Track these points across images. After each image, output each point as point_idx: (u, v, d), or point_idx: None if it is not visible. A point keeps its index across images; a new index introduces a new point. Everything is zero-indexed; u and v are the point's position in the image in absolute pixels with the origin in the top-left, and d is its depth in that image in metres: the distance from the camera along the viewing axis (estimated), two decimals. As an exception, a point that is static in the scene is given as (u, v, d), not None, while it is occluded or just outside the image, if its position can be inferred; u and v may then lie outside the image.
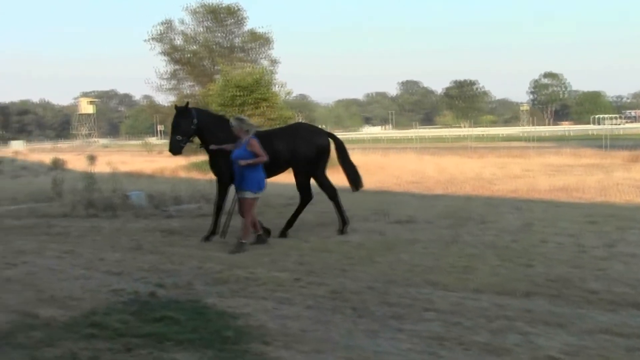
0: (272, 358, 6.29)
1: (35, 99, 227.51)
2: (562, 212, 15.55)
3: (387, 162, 34.71)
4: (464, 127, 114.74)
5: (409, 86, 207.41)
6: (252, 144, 11.76)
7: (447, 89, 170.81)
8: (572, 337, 6.73)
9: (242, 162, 11.58)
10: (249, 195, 11.74)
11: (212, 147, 12.61)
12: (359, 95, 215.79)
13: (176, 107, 12.88)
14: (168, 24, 56.70)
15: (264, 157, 11.78)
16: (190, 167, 35.27)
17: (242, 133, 11.85)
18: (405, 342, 6.68)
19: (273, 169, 12.73)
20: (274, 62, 55.70)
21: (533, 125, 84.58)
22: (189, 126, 12.67)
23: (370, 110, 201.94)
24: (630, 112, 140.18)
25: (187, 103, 13.08)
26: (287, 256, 10.96)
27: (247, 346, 6.57)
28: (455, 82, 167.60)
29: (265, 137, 12.53)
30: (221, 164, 12.64)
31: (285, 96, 45.62)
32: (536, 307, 7.75)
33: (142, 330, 7.12)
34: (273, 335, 6.89)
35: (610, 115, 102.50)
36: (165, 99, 61.53)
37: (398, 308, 7.85)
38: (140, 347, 6.61)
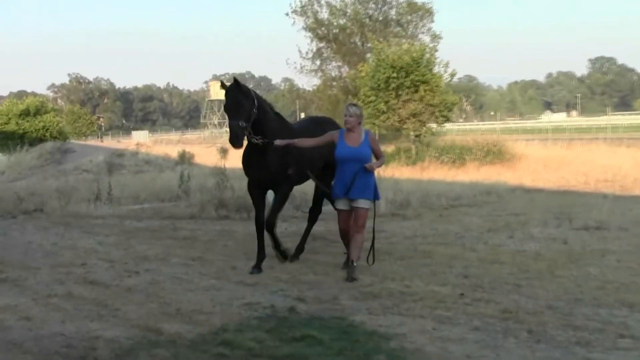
0: (430, 389, 6.28)
1: (161, 83, 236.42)
2: None
3: (572, 156, 33.83)
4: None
5: (601, 64, 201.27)
6: (375, 140, 11.10)
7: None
8: None
9: (376, 166, 10.81)
10: (367, 205, 10.66)
11: (279, 142, 10.87)
12: (539, 76, 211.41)
13: (224, 84, 10.96)
14: (313, -5, 57.19)
15: (383, 158, 11.39)
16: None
17: (356, 124, 10.70)
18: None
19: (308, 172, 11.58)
20: (435, 37, 55.43)
21: None
22: (251, 109, 10.83)
23: (552, 93, 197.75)
24: None
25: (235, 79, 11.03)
26: (450, 267, 10.89)
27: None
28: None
29: (303, 131, 11.76)
30: (290, 164, 11.25)
31: (450, 78, 44.79)
32: None
33: (280, 351, 7.24)
34: (433, 360, 6.86)
35: None
36: (308, 83, 62.40)
37: (585, 333, 7.64)
38: (278, 369, 6.72)
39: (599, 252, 11.74)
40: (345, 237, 10.87)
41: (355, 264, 10.47)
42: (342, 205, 10.75)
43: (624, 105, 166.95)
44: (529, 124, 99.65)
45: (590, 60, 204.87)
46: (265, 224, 11.29)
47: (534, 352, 7.03)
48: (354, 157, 10.53)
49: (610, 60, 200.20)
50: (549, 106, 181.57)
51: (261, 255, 11.34)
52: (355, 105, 11.08)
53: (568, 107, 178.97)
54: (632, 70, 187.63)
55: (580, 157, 33.78)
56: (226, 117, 11.06)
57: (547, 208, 16.60)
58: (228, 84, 10.95)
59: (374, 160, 10.91)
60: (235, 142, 10.59)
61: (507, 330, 7.62)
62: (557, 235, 13.36)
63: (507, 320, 8.01)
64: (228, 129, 10.85)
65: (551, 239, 13.09)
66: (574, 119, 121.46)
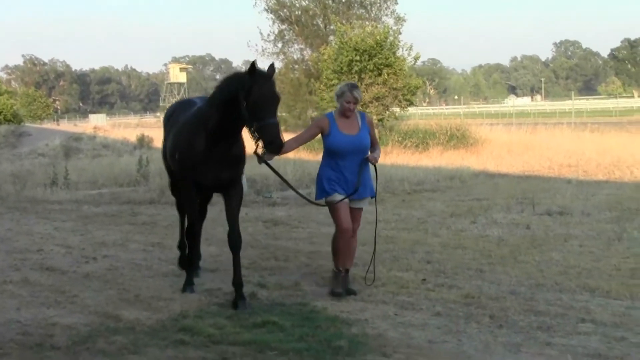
0: (388, 376, 6.35)
1: (119, 65, 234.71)
2: None
3: (536, 141, 34.02)
4: (637, 97, 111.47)
5: (566, 47, 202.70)
6: (372, 124, 9.47)
7: (615, 49, 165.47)
8: None
9: (376, 158, 9.13)
10: (367, 204, 9.45)
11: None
12: (503, 60, 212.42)
13: (254, 68, 8.18)
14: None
15: (379, 146, 9.58)
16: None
17: (353, 108, 9.05)
18: (555, 359, 6.60)
19: None
20: (399, 20, 54.98)
21: None
22: None
23: (517, 77, 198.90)
24: None
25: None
26: (412, 253, 10.98)
27: (363, 358, 6.63)
28: (627, 41, 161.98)
29: None
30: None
31: (414, 62, 44.79)
32: None
33: (240, 338, 7.28)
34: (394, 346, 6.94)
35: None
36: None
37: (547, 318, 7.76)
38: (238, 356, 6.78)
39: (561, 237, 11.88)
40: (345, 241, 8.99)
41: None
42: (339, 197, 8.84)
43: (588, 89, 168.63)
44: (493, 108, 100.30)
45: (555, 44, 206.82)
46: (237, 240, 9.05)
47: (495, 337, 7.13)
48: (354, 148, 8.86)
49: (575, 43, 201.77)
50: (513, 90, 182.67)
51: (193, 268, 9.73)
52: (357, 87, 9.15)
53: (532, 91, 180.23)
54: (596, 54, 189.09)
55: (544, 142, 34.00)
56: (260, 113, 7.98)
57: (511, 193, 16.75)
58: (265, 69, 8.29)
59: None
60: (280, 148, 8.09)
61: (469, 316, 7.71)
62: (520, 221, 13.49)
63: (469, 306, 8.11)
64: (261, 131, 7.99)
65: (514, 224, 13.22)
66: (538, 104, 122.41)
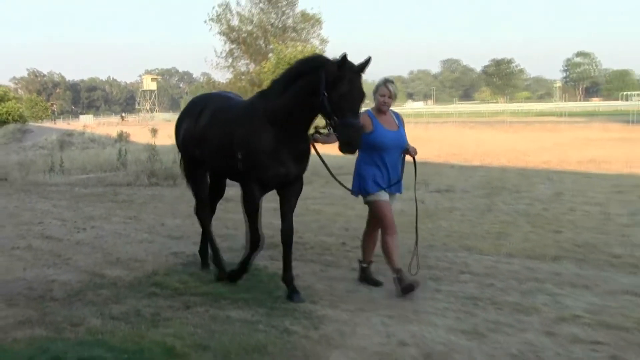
0: (319, 316, 6.36)
1: (103, 76, 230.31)
2: (591, 182, 15.33)
3: (429, 136, 34.43)
4: (501, 102, 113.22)
5: (450, 64, 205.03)
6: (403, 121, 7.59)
7: (486, 67, 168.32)
8: (595, 297, 6.71)
9: (416, 152, 7.47)
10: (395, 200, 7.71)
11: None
12: (403, 73, 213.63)
13: (345, 63, 6.09)
14: (225, 6, 57.01)
15: None
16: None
17: (389, 102, 7.29)
18: (442, 301, 6.72)
19: None
20: (323, 41, 55.85)
21: (565, 101, 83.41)
22: None
23: (414, 86, 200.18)
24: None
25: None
26: (334, 222, 11.02)
27: (296, 304, 6.66)
28: (493, 60, 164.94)
29: None
30: None
31: None
32: (564, 270, 7.71)
33: (199, 290, 7.28)
34: (320, 295, 6.98)
35: (638, 92, 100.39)
36: (222, 76, 62.08)
37: (436, 271, 7.88)
38: (198, 304, 6.75)
39: (447, 209, 12.04)
40: (392, 237, 7.18)
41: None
42: (384, 195, 7.22)
43: (467, 96, 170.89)
44: (396, 109, 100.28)
45: (441, 61, 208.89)
46: (291, 234, 7.24)
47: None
48: (397, 144, 7.21)
49: (457, 61, 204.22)
50: (410, 96, 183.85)
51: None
52: (392, 82, 7.35)
53: (425, 97, 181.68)
54: (472, 70, 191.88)
55: (435, 136, 34.41)
56: (343, 109, 6.04)
57: (409, 176, 16.84)
58: (355, 63, 6.20)
59: None
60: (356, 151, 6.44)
61: (378, 270, 7.77)
62: (417, 197, 13.54)
63: (377, 263, 8.16)
64: (340, 129, 6.07)
65: (412, 199, 13.24)
66: (430, 107, 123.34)
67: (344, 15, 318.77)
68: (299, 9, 57.84)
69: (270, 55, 51.23)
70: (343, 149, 6.15)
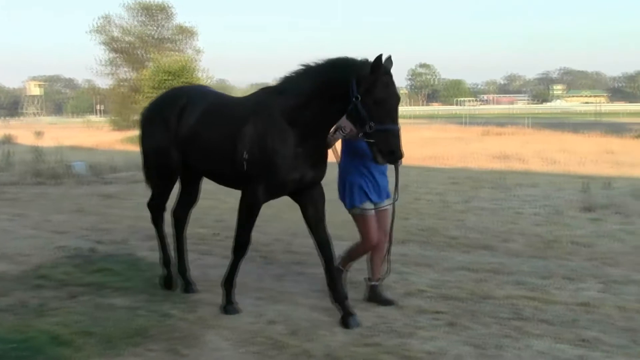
0: (195, 300, 6.30)
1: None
2: (432, 175, 15.97)
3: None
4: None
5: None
6: None
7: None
8: (436, 274, 7.00)
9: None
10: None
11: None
12: (270, 80, 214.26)
13: (379, 64, 5.07)
14: (107, 18, 55.21)
15: None
16: (125, 141, 34.38)
17: None
18: (305, 283, 6.80)
19: None
20: (198, 51, 55.25)
21: (410, 105, 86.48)
22: None
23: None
24: (483, 97, 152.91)
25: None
26: (208, 215, 10.86)
27: (176, 290, 6.53)
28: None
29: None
30: None
31: (208, 80, 46.06)
32: (410, 252, 7.97)
33: (83, 280, 6.99)
34: (196, 281, 6.85)
35: (469, 99, 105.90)
36: (104, 83, 60.14)
37: (300, 256, 7.93)
38: (82, 294, 6.49)
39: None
40: (375, 249, 6.17)
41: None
42: (370, 206, 6.08)
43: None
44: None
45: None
46: (332, 249, 5.98)
47: (266, 271, 7.23)
48: None
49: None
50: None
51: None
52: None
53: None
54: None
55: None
56: (381, 115, 5.03)
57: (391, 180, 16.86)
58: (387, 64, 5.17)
59: None
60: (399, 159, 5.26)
61: (248, 258, 7.65)
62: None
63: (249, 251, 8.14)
64: (379, 137, 5.03)
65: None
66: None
67: (222, 23, 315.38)
68: (175, 22, 56.86)
69: (148, 63, 50.20)
70: (385, 158, 5.08)
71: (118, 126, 51.34)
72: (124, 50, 55.26)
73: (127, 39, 55.55)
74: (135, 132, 40.63)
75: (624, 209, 10.61)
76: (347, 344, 5.07)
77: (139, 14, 55.69)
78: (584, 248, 8.14)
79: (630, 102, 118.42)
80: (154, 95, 42.55)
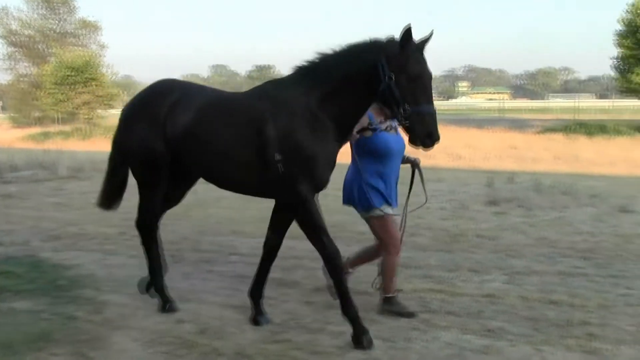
0: (101, 301, 6.09)
1: None
2: (335, 172, 16.09)
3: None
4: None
5: (218, 69, 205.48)
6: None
7: (250, 71, 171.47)
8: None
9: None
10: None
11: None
12: (176, 76, 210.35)
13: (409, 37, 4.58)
14: (4, 10, 52.63)
15: None
16: (26, 138, 32.95)
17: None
18: (214, 281, 6.71)
19: None
20: (102, 47, 53.47)
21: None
22: None
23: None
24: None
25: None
26: (115, 213, 10.49)
27: (80, 292, 6.32)
28: (257, 66, 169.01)
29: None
30: None
31: (112, 76, 44.99)
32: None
33: (-17, 284, 6.61)
34: (102, 282, 6.67)
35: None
36: (2, 78, 57.38)
37: (209, 254, 7.84)
38: (-18, 299, 6.14)
39: (217, 198, 12.00)
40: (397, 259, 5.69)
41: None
42: (390, 210, 5.57)
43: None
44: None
45: (210, 66, 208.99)
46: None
47: (174, 269, 7.06)
48: (400, 148, 5.55)
49: (224, 66, 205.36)
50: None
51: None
52: None
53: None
54: (237, 74, 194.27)
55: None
56: (416, 95, 4.58)
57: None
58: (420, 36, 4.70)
59: None
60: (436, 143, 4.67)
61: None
62: (192, 189, 13.41)
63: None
64: (415, 119, 4.56)
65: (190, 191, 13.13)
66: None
67: (123, 21, 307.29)
68: (78, 16, 54.72)
69: (50, 58, 48.32)
70: (423, 141, 4.58)
71: (18, 123, 49.06)
72: (24, 44, 52.90)
73: (26, 32, 53.19)
74: (37, 130, 39.24)
75: (526, 202, 11.05)
76: (257, 341, 5.04)
77: (39, 6, 53.31)
78: (488, 241, 8.43)
79: (531, 99, 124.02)
80: (57, 91, 41.18)
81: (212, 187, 12.77)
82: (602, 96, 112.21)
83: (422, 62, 4.62)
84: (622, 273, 6.87)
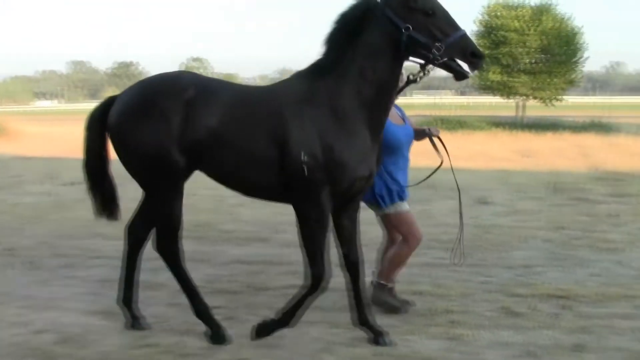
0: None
1: None
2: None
3: (60, 132, 32.59)
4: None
5: (77, 65, 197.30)
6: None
7: (113, 69, 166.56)
8: (212, 268, 7.03)
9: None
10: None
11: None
12: (30, 72, 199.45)
13: None
14: None
15: None
16: None
17: None
18: (76, 287, 6.45)
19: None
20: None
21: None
22: None
23: (44, 85, 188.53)
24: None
25: None
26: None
27: None
28: (119, 63, 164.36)
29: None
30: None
31: None
32: (185, 248, 7.87)
33: None
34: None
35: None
36: None
37: (68, 259, 7.51)
38: None
39: (78, 200, 11.43)
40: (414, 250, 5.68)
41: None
42: (406, 203, 5.59)
43: (95, 96, 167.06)
44: (23, 108, 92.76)
45: (68, 62, 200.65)
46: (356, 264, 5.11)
47: (32, 277, 6.74)
48: (409, 139, 5.58)
49: (84, 63, 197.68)
50: (41, 95, 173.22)
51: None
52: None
53: (56, 96, 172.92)
54: (98, 71, 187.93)
55: (66, 133, 32.72)
56: (445, 27, 4.30)
57: (39, 170, 15.85)
58: None
59: None
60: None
61: (10, 264, 7.21)
62: (48, 191, 12.87)
63: (9, 256, 7.57)
64: (455, 48, 4.29)
65: (45, 193, 12.57)
66: (60, 105, 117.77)
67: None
68: None
69: None
70: (473, 64, 4.27)
71: None
72: None
73: None
74: None
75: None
76: (123, 346, 4.91)
77: None
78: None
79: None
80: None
81: (75, 189, 12.27)
82: (462, 93, 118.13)
83: None
84: (481, 262, 7.30)
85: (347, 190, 4.55)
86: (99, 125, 4.96)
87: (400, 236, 5.64)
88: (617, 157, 18.27)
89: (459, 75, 4.31)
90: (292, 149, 4.38)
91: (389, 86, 4.51)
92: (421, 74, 4.52)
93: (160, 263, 6.85)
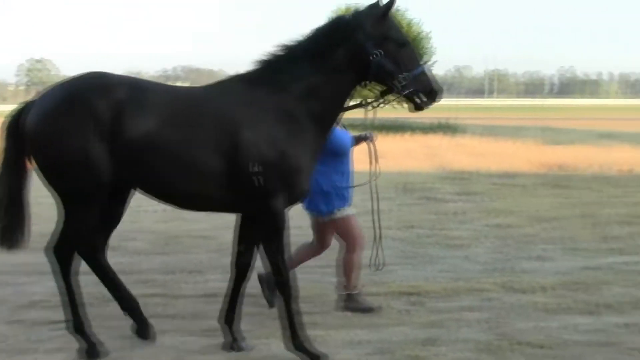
0: None
1: None
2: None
3: None
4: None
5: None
6: None
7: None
8: (54, 282, 6.63)
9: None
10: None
11: None
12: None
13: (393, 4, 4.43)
14: None
15: None
16: None
17: None
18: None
19: None
20: None
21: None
22: None
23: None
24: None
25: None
26: None
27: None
28: (33, 60, 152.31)
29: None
30: None
31: None
32: (30, 260, 7.34)
33: None
34: None
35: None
36: None
37: None
38: None
39: None
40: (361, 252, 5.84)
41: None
42: (350, 208, 5.75)
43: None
44: None
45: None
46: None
47: None
48: (351, 144, 5.72)
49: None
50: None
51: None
52: None
53: None
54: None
55: None
56: (411, 61, 4.47)
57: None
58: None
59: None
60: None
61: None
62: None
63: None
64: (417, 83, 4.42)
65: None
66: None
67: None
68: None
69: None
70: (430, 99, 4.46)
71: None
72: None
73: None
74: None
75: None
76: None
77: None
78: (205, 241, 8.52)
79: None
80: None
81: None
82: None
83: (399, 28, 4.53)
84: (334, 262, 7.36)
85: (301, 196, 4.61)
86: (16, 132, 4.45)
87: (328, 239, 5.79)
88: (463, 157, 19.27)
89: (418, 107, 4.48)
90: (243, 155, 4.26)
91: (335, 108, 4.56)
92: (381, 100, 4.66)
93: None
